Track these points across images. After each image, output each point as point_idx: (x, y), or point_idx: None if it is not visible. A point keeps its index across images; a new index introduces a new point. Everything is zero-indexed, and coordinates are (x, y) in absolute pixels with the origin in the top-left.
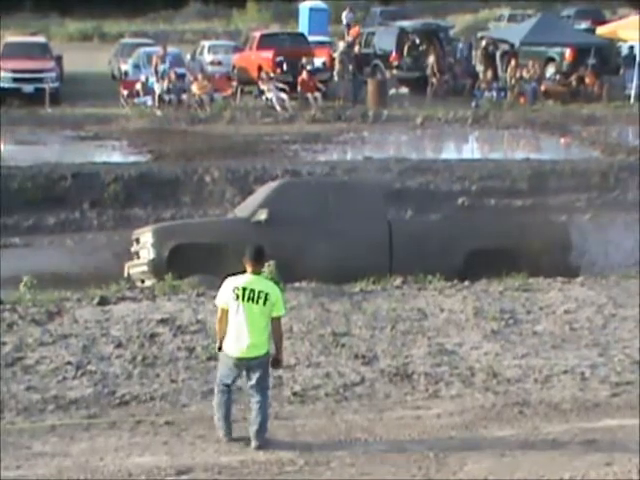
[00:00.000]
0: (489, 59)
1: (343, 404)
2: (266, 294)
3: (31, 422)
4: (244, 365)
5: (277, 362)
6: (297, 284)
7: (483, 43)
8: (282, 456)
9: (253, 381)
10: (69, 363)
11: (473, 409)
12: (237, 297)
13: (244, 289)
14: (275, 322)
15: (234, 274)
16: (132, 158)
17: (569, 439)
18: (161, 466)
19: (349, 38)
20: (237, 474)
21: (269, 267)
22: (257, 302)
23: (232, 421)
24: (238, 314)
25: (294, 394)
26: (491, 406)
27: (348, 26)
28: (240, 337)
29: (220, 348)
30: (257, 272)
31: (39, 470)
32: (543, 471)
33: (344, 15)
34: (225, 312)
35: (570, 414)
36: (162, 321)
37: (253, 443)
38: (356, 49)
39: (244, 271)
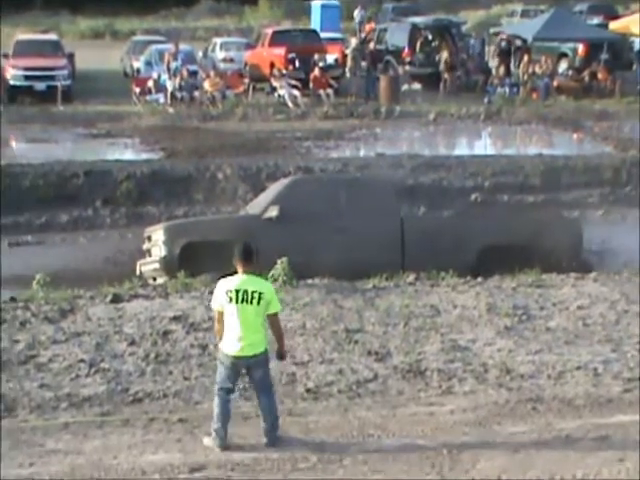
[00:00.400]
0: (503, 55)
1: (356, 401)
2: (259, 294)
3: (44, 420)
4: (243, 364)
5: (281, 355)
6: (310, 281)
7: (498, 39)
8: (295, 453)
9: (256, 381)
10: (82, 361)
11: (486, 405)
12: (230, 300)
13: (237, 291)
14: (272, 318)
15: (230, 274)
16: (144, 155)
17: (582, 435)
18: (174, 463)
19: (363, 35)
20: (250, 471)
21: (282, 264)
22: (251, 302)
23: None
24: (233, 316)
25: (307, 391)
26: (504, 402)
27: (361, 23)
28: (237, 337)
29: None
30: (248, 271)
31: (52, 468)
32: (556, 468)
33: (356, 13)
34: (221, 314)
35: (583, 410)
36: (175, 318)
37: (265, 442)
38: (371, 45)
39: (236, 271)
